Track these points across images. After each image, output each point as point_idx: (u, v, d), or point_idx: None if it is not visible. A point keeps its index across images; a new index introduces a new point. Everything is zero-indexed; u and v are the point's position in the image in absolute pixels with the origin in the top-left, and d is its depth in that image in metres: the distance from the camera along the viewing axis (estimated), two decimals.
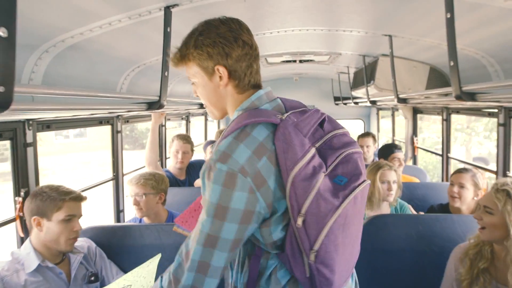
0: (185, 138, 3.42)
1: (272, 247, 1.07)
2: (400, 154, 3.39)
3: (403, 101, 2.66)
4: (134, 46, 2.33)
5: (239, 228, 0.99)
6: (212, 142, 4.47)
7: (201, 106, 3.97)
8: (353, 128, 7.41)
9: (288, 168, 0.96)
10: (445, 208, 2.47)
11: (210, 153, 4.34)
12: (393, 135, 5.55)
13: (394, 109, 5.40)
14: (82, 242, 1.96)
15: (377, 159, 4.43)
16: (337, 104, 6.63)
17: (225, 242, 0.99)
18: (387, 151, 3.47)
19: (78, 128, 2.76)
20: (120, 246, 2.08)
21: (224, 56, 1.08)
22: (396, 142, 5.52)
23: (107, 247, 2.05)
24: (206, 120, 5.77)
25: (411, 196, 3.04)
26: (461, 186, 2.37)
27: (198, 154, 5.35)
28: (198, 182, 3.46)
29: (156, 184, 2.45)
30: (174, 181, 3.44)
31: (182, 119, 4.58)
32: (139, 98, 2.20)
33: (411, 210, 2.58)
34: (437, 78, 3.28)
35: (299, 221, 0.96)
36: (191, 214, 1.46)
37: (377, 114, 6.50)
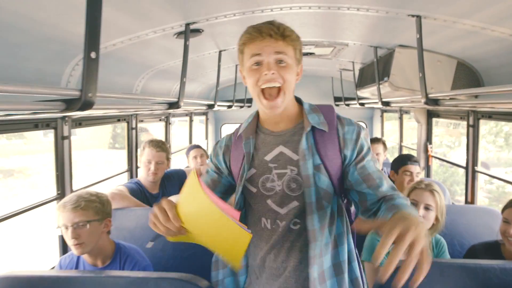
0: (159, 145, 2.77)
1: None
2: (413, 167, 2.78)
3: (433, 102, 2.05)
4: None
5: None
6: (196, 146, 3.85)
7: (208, 106, 3.44)
8: None
9: None
10: (494, 251, 1.83)
11: (195, 159, 3.72)
12: (401, 140, 4.95)
13: (402, 112, 4.80)
14: None
15: (387, 170, 3.83)
16: (337, 105, 6.03)
17: None
18: (398, 162, 2.87)
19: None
20: None
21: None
22: (405, 149, 4.93)
23: None
24: (191, 121, 5.14)
25: None
26: None
27: (180, 160, 4.77)
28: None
29: (102, 207, 1.82)
30: (143, 197, 2.80)
31: (160, 120, 3.95)
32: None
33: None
34: (465, 76, 2.68)
35: None
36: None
37: (382, 116, 5.90)
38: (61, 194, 2.34)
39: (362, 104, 4.00)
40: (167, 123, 4.11)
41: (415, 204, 1.90)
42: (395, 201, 1.13)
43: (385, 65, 2.90)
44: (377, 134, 6.18)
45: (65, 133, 2.31)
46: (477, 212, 2.41)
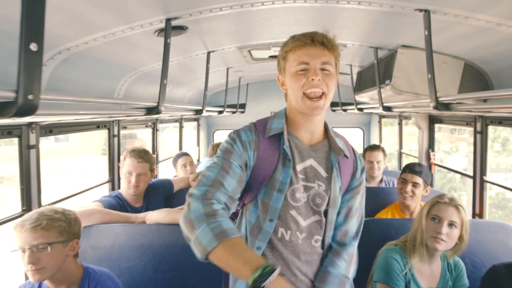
0: (141, 156, 2.52)
1: None
2: (414, 177, 2.56)
3: (444, 107, 1.84)
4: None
5: None
6: (184, 154, 3.61)
7: (196, 112, 3.24)
8: (352, 137, 6.62)
9: None
10: None
11: (184, 167, 3.48)
12: (400, 147, 4.74)
13: (402, 117, 4.60)
14: None
15: (392, 180, 3.61)
16: (334, 111, 5.83)
17: None
18: (404, 169, 2.66)
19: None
20: None
21: None
22: (404, 157, 4.72)
23: None
24: (181, 127, 4.90)
25: None
26: None
27: (167, 169, 4.50)
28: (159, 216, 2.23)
29: (68, 226, 1.57)
30: (124, 211, 2.55)
31: (147, 126, 3.71)
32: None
33: None
34: (473, 78, 2.48)
35: None
36: None
37: (380, 122, 5.71)
38: (26, 210, 2.07)
39: (360, 109, 3.79)
40: (155, 130, 3.87)
41: (438, 220, 1.73)
42: (333, 269, 1.32)
43: (387, 67, 2.70)
44: (375, 140, 5.98)
45: (32, 142, 2.08)
46: (489, 227, 2.19)
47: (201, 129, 6.05)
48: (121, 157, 2.57)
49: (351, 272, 1.35)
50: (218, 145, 4.14)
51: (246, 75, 4.60)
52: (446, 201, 1.73)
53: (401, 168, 4.92)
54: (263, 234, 1.27)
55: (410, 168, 2.61)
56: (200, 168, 4.38)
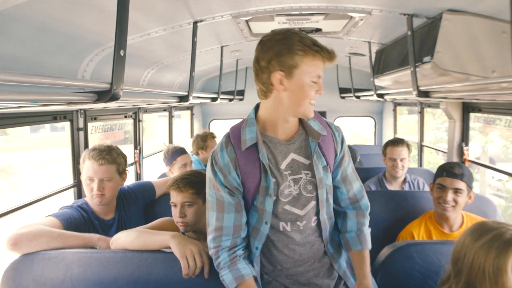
0: (103, 156, 1.94)
1: None
2: (455, 182, 2.00)
3: None
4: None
5: None
6: (182, 151, 2.87)
7: (180, 98, 2.80)
8: (362, 127, 6.03)
9: None
10: None
11: (184, 167, 2.81)
12: (421, 139, 4.14)
13: (423, 104, 4.00)
14: None
15: (416, 179, 3.04)
16: (343, 98, 5.23)
17: None
18: (439, 172, 2.09)
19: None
20: None
21: None
22: (426, 150, 4.13)
23: None
24: (171, 117, 4.29)
25: None
26: None
27: (153, 169, 3.91)
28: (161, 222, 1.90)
29: None
30: (91, 226, 1.98)
31: (126, 117, 3.11)
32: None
33: None
34: None
35: None
36: None
37: (394, 111, 5.10)
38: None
39: (380, 96, 3.18)
40: (137, 121, 3.28)
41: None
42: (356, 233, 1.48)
43: (425, 40, 2.09)
44: (388, 131, 5.39)
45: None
46: None
47: (196, 119, 5.44)
48: (80, 159, 1.98)
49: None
50: (204, 138, 3.39)
51: (245, 56, 3.98)
52: None
53: (421, 163, 4.41)
54: (260, 235, 1.39)
55: (449, 171, 2.03)
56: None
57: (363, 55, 3.78)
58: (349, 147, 3.56)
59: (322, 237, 1.42)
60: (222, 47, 3.22)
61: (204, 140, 3.35)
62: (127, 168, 2.11)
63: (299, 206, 1.36)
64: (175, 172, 2.86)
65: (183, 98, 2.71)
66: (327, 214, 1.42)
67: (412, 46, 2.09)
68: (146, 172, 3.59)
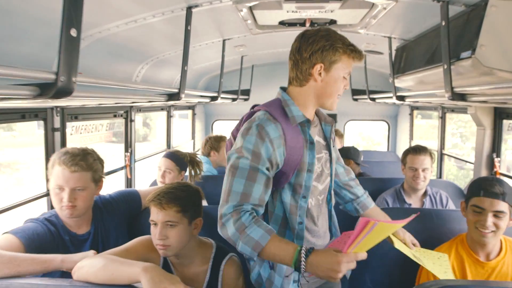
0: (76, 162, 1.64)
1: None
2: (495, 203, 1.65)
3: None
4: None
5: None
6: (176, 158, 2.57)
7: (170, 97, 2.45)
8: (372, 130, 5.66)
9: None
10: None
11: (161, 177, 2.48)
12: (442, 147, 3.77)
13: (445, 109, 3.63)
14: None
15: (438, 193, 2.68)
16: (356, 100, 4.87)
17: None
18: (469, 191, 1.74)
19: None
20: None
21: None
22: (446, 159, 3.76)
23: None
24: (169, 117, 3.97)
25: None
26: None
27: (145, 174, 3.56)
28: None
29: None
30: (60, 242, 1.67)
31: (116, 116, 2.80)
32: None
33: None
34: None
35: None
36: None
37: (411, 115, 4.72)
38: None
39: (401, 98, 2.81)
40: (128, 120, 2.97)
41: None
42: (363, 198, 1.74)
43: (462, 32, 1.74)
44: (403, 136, 5.02)
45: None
46: None
47: (198, 119, 5.13)
48: (49, 163, 1.67)
49: None
50: (218, 139, 3.22)
51: (250, 53, 3.65)
52: None
53: (441, 174, 4.03)
54: (301, 210, 1.44)
55: (487, 190, 1.66)
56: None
57: (380, 53, 3.43)
58: (354, 148, 3.23)
59: (330, 208, 1.61)
60: (224, 40, 2.89)
61: (218, 140, 3.22)
62: (103, 175, 1.81)
63: (321, 182, 1.50)
64: (157, 179, 2.59)
65: (173, 96, 2.34)
66: (333, 189, 1.63)
67: (447, 39, 1.74)
68: (137, 181, 3.28)
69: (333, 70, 1.36)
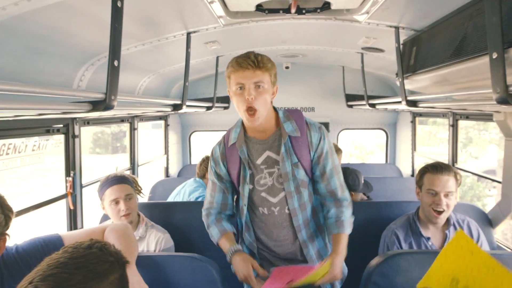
0: None
1: None
2: None
3: None
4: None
5: None
6: (112, 182, 2.05)
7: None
8: (365, 139, 5.12)
9: None
10: None
11: (116, 204, 1.94)
12: (454, 160, 3.20)
13: (457, 116, 3.08)
14: None
15: (465, 220, 2.12)
16: (350, 106, 4.32)
17: None
18: None
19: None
20: None
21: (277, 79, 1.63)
22: (462, 174, 3.19)
23: None
24: (132, 129, 3.33)
25: None
26: None
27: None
28: None
29: None
30: None
31: (49, 132, 2.15)
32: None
33: None
34: None
35: None
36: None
37: (413, 122, 4.18)
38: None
39: (412, 104, 2.20)
40: (68, 136, 2.31)
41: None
42: (335, 219, 1.70)
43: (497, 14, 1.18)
44: (403, 146, 4.47)
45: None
46: None
47: (172, 130, 4.48)
48: None
49: (350, 213, 1.72)
50: (207, 160, 3.09)
51: (225, 51, 3.06)
52: None
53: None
54: (243, 215, 1.74)
55: None
56: (181, 196, 2.98)
57: (381, 50, 2.87)
58: (354, 169, 2.63)
59: (293, 224, 1.69)
60: (188, 33, 2.29)
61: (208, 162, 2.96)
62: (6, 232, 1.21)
63: (273, 195, 1.67)
64: (108, 211, 2.01)
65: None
66: (299, 204, 1.68)
67: (499, 15, 1.16)
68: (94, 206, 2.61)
69: (231, 89, 1.57)
